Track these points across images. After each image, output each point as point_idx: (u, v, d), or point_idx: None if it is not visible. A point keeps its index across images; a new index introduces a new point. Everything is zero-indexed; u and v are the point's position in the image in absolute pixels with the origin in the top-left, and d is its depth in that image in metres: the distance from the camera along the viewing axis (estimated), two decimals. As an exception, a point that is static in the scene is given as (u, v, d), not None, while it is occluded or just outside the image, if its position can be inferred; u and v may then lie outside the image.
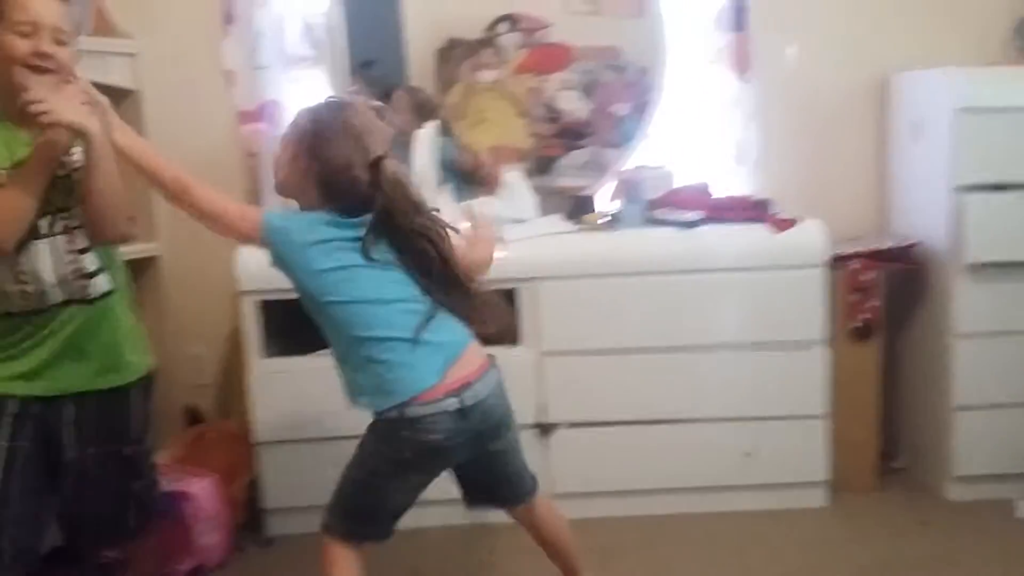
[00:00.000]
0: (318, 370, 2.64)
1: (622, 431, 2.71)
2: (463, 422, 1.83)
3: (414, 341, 1.81)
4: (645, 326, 2.68)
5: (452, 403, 1.82)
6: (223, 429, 2.89)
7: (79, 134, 1.72)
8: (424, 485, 1.91)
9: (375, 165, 1.82)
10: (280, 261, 1.88)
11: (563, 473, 2.71)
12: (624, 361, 2.68)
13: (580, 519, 2.69)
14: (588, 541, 2.60)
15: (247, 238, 1.91)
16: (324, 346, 2.66)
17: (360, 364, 1.87)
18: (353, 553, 1.89)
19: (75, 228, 1.84)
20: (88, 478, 1.90)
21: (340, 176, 1.81)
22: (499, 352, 2.60)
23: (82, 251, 1.85)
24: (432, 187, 2.79)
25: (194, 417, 2.98)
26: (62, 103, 1.70)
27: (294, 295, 2.55)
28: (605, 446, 2.72)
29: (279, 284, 2.55)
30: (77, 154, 1.79)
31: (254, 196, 3.03)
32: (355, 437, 2.60)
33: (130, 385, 1.95)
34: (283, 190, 1.92)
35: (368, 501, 1.90)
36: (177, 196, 1.86)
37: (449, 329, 1.87)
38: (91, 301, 1.87)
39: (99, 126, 1.75)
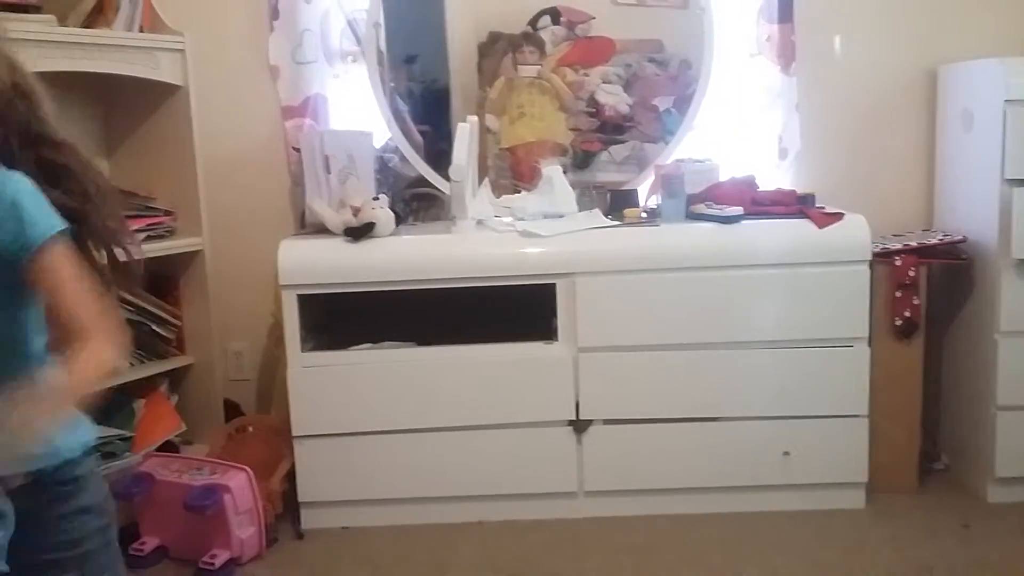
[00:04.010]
0: (356, 365, 2.70)
1: (658, 428, 2.70)
2: None
3: None
4: (683, 322, 2.66)
5: None
6: (262, 423, 2.95)
7: None
8: None
9: None
10: None
11: (597, 471, 2.72)
12: (661, 358, 2.67)
13: (614, 517, 2.73)
14: (622, 539, 2.63)
15: None
16: (363, 341, 2.73)
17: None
18: None
19: None
20: None
21: None
22: (535, 348, 2.68)
23: None
24: (470, 181, 2.80)
25: (234, 411, 3.04)
26: None
27: (334, 289, 2.62)
28: (640, 443, 2.70)
29: (319, 279, 2.64)
30: None
31: (295, 190, 3.08)
32: (391, 432, 2.68)
33: None
34: None
35: None
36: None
37: None
38: None
39: None
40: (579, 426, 2.69)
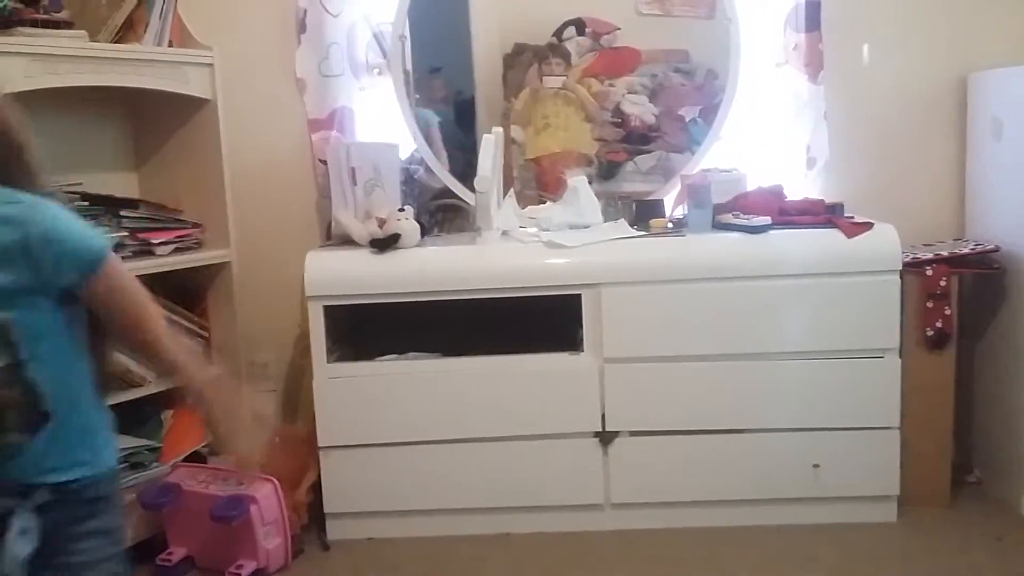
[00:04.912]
0: (382, 376, 2.71)
1: (685, 440, 2.67)
2: None
3: None
4: (711, 333, 2.64)
5: None
6: (288, 434, 2.94)
7: None
8: None
9: None
10: None
11: (623, 483, 2.70)
12: (688, 369, 2.65)
13: (640, 530, 2.70)
14: (649, 552, 2.61)
15: None
16: (389, 351, 2.73)
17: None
18: None
19: None
20: None
21: None
22: (560, 359, 2.67)
23: None
24: (496, 192, 2.81)
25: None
26: None
27: (359, 300, 2.63)
28: (667, 455, 2.68)
29: (345, 290, 2.65)
30: None
31: (322, 201, 3.10)
32: (417, 443, 2.68)
33: None
34: None
35: None
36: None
37: None
38: None
39: None
40: (605, 438, 2.68)
